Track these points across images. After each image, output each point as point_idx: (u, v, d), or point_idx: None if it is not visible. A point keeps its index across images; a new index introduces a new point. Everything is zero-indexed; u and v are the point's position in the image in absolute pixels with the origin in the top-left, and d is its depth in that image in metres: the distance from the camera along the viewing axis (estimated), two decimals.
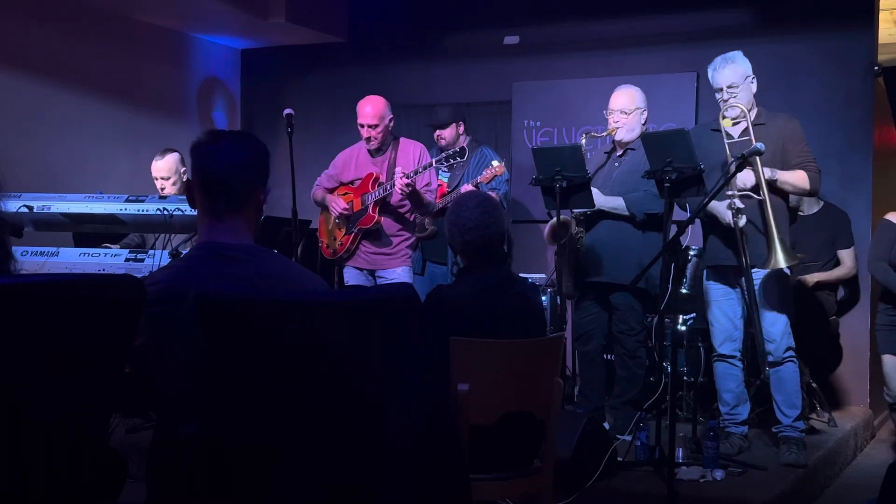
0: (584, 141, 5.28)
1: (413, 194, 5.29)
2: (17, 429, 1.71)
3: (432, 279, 6.26)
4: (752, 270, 4.67)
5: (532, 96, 7.39)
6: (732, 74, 4.76)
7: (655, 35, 7.02)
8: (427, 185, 5.43)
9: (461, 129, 6.30)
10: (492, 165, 5.84)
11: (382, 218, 5.46)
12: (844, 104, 6.39)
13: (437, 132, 6.26)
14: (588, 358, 5.34)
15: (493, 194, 5.91)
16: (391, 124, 5.51)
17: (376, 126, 5.43)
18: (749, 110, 4.73)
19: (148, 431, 4.77)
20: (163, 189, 5.89)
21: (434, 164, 5.41)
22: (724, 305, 4.84)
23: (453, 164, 5.46)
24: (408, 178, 5.20)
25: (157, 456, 2.24)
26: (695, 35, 6.93)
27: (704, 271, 4.96)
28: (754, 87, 4.81)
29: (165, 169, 5.90)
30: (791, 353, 4.72)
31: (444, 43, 7.77)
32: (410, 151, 5.50)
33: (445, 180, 6.17)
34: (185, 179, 5.95)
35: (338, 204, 5.49)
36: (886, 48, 6.46)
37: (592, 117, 6.80)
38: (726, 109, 4.74)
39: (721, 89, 4.78)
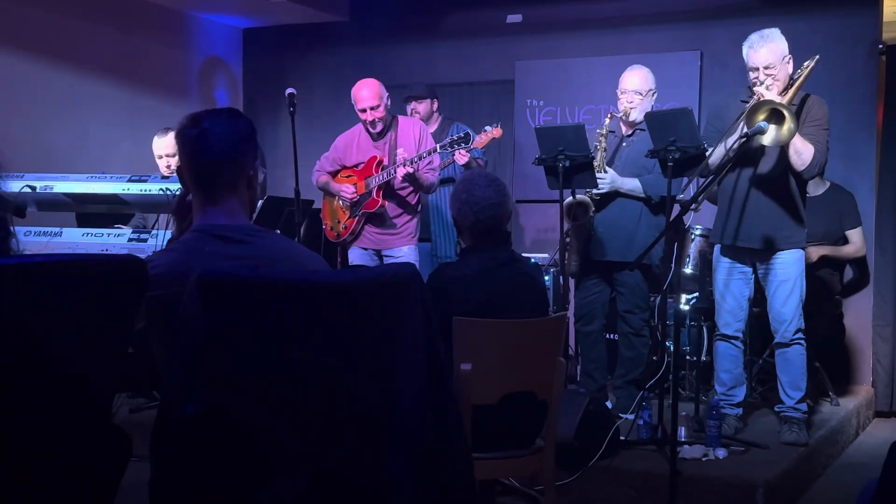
0: (608, 121, 5.25)
1: (413, 180, 5.31)
2: (22, 406, 1.72)
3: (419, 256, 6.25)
4: (772, 255, 4.67)
5: (535, 75, 7.37)
6: (770, 54, 4.52)
7: (659, 13, 6.99)
8: (429, 163, 5.42)
9: (435, 105, 6.35)
10: (486, 130, 5.81)
11: (386, 202, 5.45)
12: (848, 83, 6.36)
13: (413, 104, 6.28)
14: (591, 338, 5.35)
15: (480, 162, 5.97)
16: (389, 103, 5.49)
17: (377, 107, 5.38)
18: (782, 92, 4.50)
19: (152, 411, 4.79)
20: (168, 167, 5.85)
21: (438, 150, 5.39)
22: (732, 284, 4.80)
23: (456, 149, 5.44)
24: (409, 164, 5.21)
25: (160, 435, 2.25)
26: (698, 13, 6.89)
27: (716, 247, 4.91)
28: (790, 68, 4.59)
29: (171, 146, 5.87)
30: (800, 335, 4.70)
31: (446, 22, 7.74)
32: (410, 130, 5.49)
33: None
34: None
35: (347, 191, 5.48)
36: (891, 26, 6.42)
37: (596, 96, 6.79)
38: (759, 94, 4.46)
39: (757, 69, 4.54)
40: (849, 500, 3.91)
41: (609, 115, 5.30)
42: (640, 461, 4.34)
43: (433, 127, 6.30)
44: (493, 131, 5.78)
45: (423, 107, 6.30)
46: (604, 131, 5.23)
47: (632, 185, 5.13)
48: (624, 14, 7.11)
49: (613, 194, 5.15)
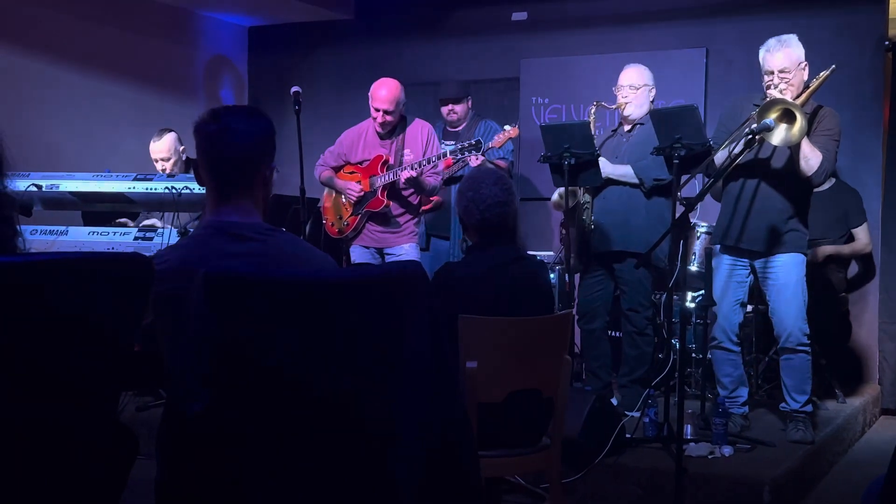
0: (593, 110, 5.29)
1: (416, 184, 5.31)
2: (27, 405, 1.72)
3: (436, 254, 6.25)
4: (771, 256, 4.67)
5: (540, 73, 7.37)
6: (786, 59, 4.54)
7: (664, 10, 6.98)
8: (433, 167, 5.42)
9: (469, 104, 6.32)
10: (504, 129, 5.82)
11: (390, 202, 5.45)
12: (855, 80, 6.34)
13: (450, 106, 6.24)
14: (594, 336, 5.35)
15: (501, 163, 5.93)
16: (403, 109, 5.48)
17: (391, 112, 5.38)
18: (795, 97, 4.51)
19: (158, 409, 4.80)
20: (163, 170, 5.89)
21: (448, 155, 5.39)
22: (727, 287, 4.80)
23: (467, 155, 5.43)
24: (414, 168, 5.23)
25: (167, 433, 2.25)
26: (704, 11, 6.88)
27: (717, 247, 4.91)
28: (806, 74, 4.60)
29: (165, 149, 5.91)
30: (805, 339, 4.67)
31: (451, 20, 7.74)
32: (419, 133, 5.49)
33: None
34: (184, 158, 5.97)
35: (352, 191, 5.48)
36: None
37: (601, 94, 6.76)
38: (771, 96, 4.46)
39: (772, 72, 4.56)
40: (855, 498, 3.91)
41: (596, 104, 5.33)
42: (646, 459, 4.34)
43: (462, 125, 6.27)
44: (510, 131, 5.79)
45: (461, 107, 6.26)
46: (591, 118, 5.25)
47: (623, 170, 5.15)
48: (629, 11, 7.10)
49: (606, 182, 5.16)
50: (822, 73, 4.55)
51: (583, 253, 5.27)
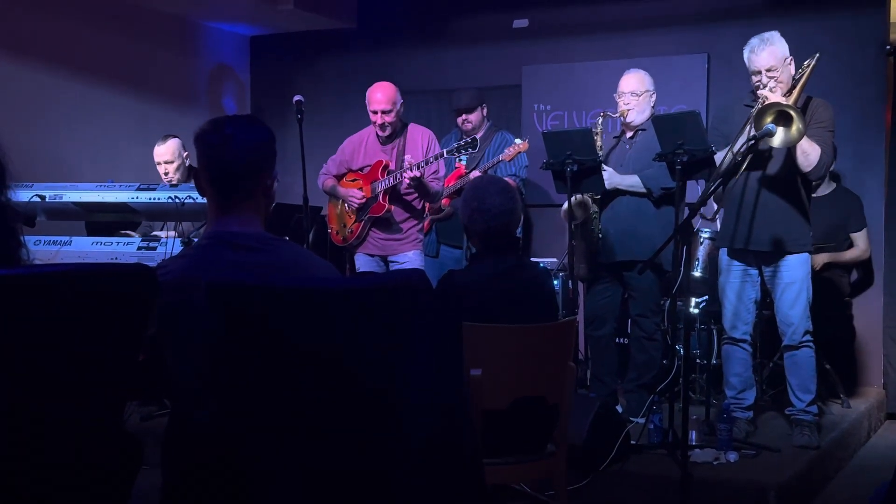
0: (600, 121, 5.29)
1: (419, 186, 5.30)
2: (34, 416, 1.72)
3: (443, 262, 6.24)
4: (777, 256, 4.67)
5: (542, 80, 7.37)
6: (771, 57, 4.54)
7: (665, 17, 6.99)
8: (434, 172, 5.42)
9: (485, 111, 6.30)
10: (515, 143, 5.82)
11: (392, 206, 5.45)
12: (856, 84, 6.34)
13: (464, 116, 6.24)
14: (602, 342, 5.34)
15: (510, 181, 5.90)
16: (402, 109, 5.49)
17: (389, 111, 5.38)
18: (786, 93, 4.51)
19: (162, 418, 4.80)
20: (166, 174, 5.91)
21: (445, 155, 5.39)
22: (738, 287, 4.81)
23: (465, 155, 5.44)
24: (417, 168, 5.20)
25: (171, 442, 2.25)
26: (705, 16, 6.89)
27: (723, 251, 4.91)
28: (793, 69, 4.60)
29: (168, 153, 5.92)
30: (808, 337, 4.70)
31: (453, 27, 7.75)
32: (419, 138, 5.49)
33: (464, 162, 6.15)
34: (186, 164, 5.98)
35: (354, 197, 5.48)
36: None
37: (603, 100, 6.78)
38: (764, 97, 4.45)
39: (759, 72, 4.56)
40: (862, 502, 3.90)
41: (602, 114, 5.33)
42: (651, 465, 4.33)
43: (479, 134, 6.26)
44: (520, 145, 5.80)
45: (474, 116, 6.25)
46: (598, 129, 5.25)
47: (631, 180, 5.14)
48: (630, 17, 7.11)
49: (614, 192, 5.16)
50: (807, 63, 4.54)
51: (591, 262, 5.26)
